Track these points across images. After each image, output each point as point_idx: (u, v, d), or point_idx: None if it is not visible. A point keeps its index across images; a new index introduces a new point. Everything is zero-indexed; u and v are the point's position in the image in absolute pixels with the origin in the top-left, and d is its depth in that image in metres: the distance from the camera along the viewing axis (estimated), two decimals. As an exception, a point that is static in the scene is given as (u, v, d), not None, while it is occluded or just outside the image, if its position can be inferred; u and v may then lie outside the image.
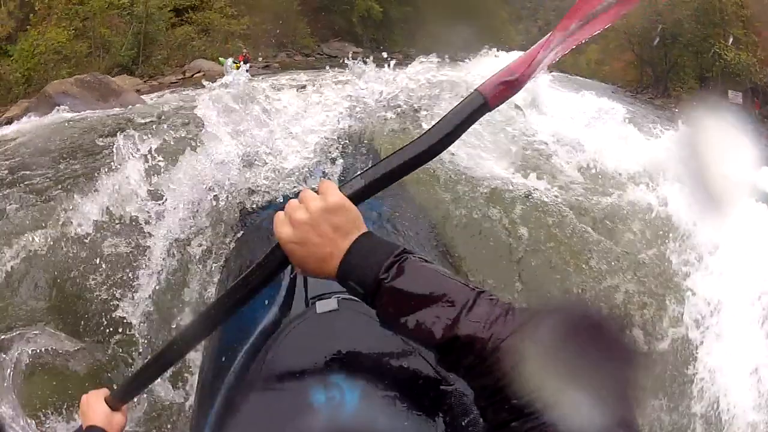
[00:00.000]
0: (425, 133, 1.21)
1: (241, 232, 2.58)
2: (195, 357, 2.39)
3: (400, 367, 1.33)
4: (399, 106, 3.05)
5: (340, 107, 2.86)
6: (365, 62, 3.02)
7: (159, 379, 2.59)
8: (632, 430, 0.82)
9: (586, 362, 0.81)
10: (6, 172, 6.74)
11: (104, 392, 1.46)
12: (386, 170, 1.19)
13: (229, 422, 1.31)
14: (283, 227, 1.14)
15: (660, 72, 38.85)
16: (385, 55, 3.26)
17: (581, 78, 35.34)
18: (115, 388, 1.47)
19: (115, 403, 1.43)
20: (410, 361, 1.32)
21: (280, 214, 1.16)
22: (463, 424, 1.21)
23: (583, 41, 1.33)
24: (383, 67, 3.11)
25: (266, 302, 1.58)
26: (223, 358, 1.58)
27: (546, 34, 1.25)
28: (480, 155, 3.60)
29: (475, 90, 1.23)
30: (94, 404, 1.43)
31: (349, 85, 3.00)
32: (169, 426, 2.53)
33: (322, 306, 1.44)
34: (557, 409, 0.79)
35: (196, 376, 2.28)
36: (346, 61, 3.03)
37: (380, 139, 3.15)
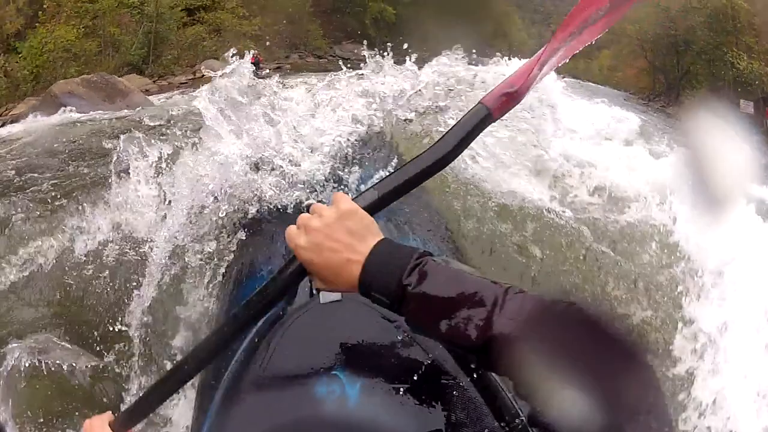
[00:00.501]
0: (434, 144, 1.25)
1: (243, 237, 2.51)
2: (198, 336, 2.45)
3: (401, 359, 1.34)
4: (421, 104, 2.96)
5: (355, 105, 2.76)
6: (383, 56, 2.96)
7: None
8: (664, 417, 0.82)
9: (615, 357, 0.83)
10: (13, 172, 6.77)
11: (108, 417, 1.36)
12: (399, 182, 1.22)
13: (232, 412, 1.31)
14: (297, 237, 1.14)
15: (672, 79, 38.93)
16: (405, 46, 3.20)
17: (593, 84, 35.42)
18: (121, 411, 1.39)
19: (119, 428, 1.34)
20: (412, 352, 1.33)
21: (292, 226, 1.16)
22: (463, 417, 1.22)
23: (577, 51, 1.44)
24: (404, 62, 3.04)
25: None
26: None
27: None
28: (489, 168, 3.50)
29: (479, 102, 1.28)
30: (98, 430, 1.34)
31: (366, 80, 2.92)
32: (169, 412, 2.44)
33: (325, 296, 1.44)
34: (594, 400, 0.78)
35: None
36: (362, 62, 2.97)
37: (402, 144, 3.06)
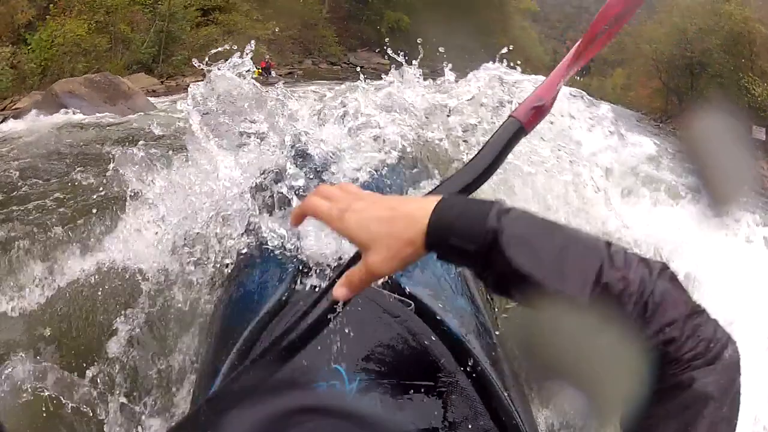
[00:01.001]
0: (471, 160, 1.21)
1: (237, 266, 2.27)
2: (192, 344, 2.47)
3: (402, 355, 1.34)
4: (458, 125, 2.67)
5: (381, 123, 2.44)
6: (410, 64, 2.77)
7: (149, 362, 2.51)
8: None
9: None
10: (15, 174, 6.97)
11: None
12: None
13: (230, 403, 1.26)
14: (332, 204, 0.96)
15: (686, 101, 38.75)
16: (441, 50, 3.03)
17: (606, 103, 35.34)
18: None
19: None
20: (412, 349, 1.34)
21: (315, 197, 1.00)
22: (460, 415, 1.23)
23: (587, 62, 1.44)
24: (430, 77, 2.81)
25: (274, 283, 1.66)
26: (226, 339, 1.58)
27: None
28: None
29: (510, 116, 1.27)
30: None
31: (390, 93, 2.66)
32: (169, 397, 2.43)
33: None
34: None
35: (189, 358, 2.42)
36: (377, 71, 2.79)
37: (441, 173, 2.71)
